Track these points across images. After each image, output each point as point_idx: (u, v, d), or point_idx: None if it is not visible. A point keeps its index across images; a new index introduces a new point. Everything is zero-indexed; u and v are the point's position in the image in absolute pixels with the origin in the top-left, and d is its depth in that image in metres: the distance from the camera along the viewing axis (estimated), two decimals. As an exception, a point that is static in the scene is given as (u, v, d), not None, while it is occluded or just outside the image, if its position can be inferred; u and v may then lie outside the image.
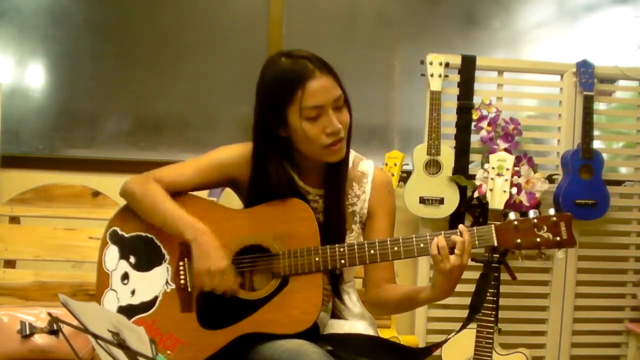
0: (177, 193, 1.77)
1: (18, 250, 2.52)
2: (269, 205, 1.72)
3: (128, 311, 1.73)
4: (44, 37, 3.29)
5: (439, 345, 1.77)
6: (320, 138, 1.65)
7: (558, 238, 1.61)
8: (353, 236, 1.80)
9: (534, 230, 1.62)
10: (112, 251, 1.79)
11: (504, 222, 1.64)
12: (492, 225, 1.63)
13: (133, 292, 1.75)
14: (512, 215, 1.64)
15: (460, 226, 1.61)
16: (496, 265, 2.78)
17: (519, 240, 1.62)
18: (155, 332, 1.68)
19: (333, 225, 1.74)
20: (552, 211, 1.64)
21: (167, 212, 1.71)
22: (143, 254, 1.77)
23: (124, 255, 1.78)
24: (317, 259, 1.66)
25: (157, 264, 1.75)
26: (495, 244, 1.62)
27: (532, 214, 1.64)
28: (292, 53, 1.68)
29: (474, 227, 1.63)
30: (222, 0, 3.43)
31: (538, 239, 1.62)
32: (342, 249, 1.67)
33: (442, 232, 1.62)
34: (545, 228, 1.62)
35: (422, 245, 1.64)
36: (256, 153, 1.74)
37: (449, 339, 1.77)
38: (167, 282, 1.74)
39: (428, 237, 1.64)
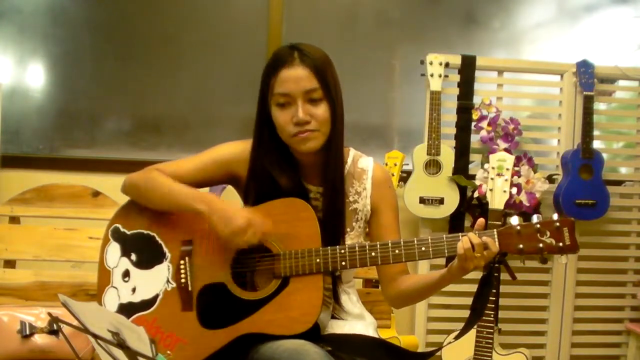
0: None
1: (18, 250, 2.52)
2: (270, 204, 1.71)
3: (128, 309, 1.73)
4: (44, 37, 3.29)
5: (438, 349, 1.77)
6: (288, 126, 1.69)
7: (561, 244, 1.60)
8: (354, 234, 1.80)
9: (536, 235, 1.61)
10: (114, 248, 1.79)
11: (507, 227, 1.62)
12: (495, 230, 1.62)
13: (134, 290, 1.75)
14: (514, 220, 1.63)
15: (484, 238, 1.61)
16: (496, 265, 2.78)
17: (521, 246, 1.61)
18: (155, 330, 1.69)
19: (332, 224, 1.74)
20: (555, 216, 1.63)
21: (176, 193, 1.71)
22: (144, 252, 1.77)
23: (125, 253, 1.78)
24: (317, 260, 1.66)
25: (158, 262, 1.75)
26: (498, 249, 1.61)
27: (535, 219, 1.62)
28: (294, 44, 1.73)
29: (476, 232, 1.62)
30: (222, 0, 3.43)
31: (540, 245, 1.60)
32: (342, 251, 1.67)
33: (460, 234, 1.62)
34: (548, 233, 1.60)
35: (423, 248, 1.64)
36: (254, 138, 1.77)
37: (448, 344, 1.76)
38: (168, 281, 1.74)
39: (430, 240, 1.64)
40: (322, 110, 1.70)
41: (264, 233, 1.64)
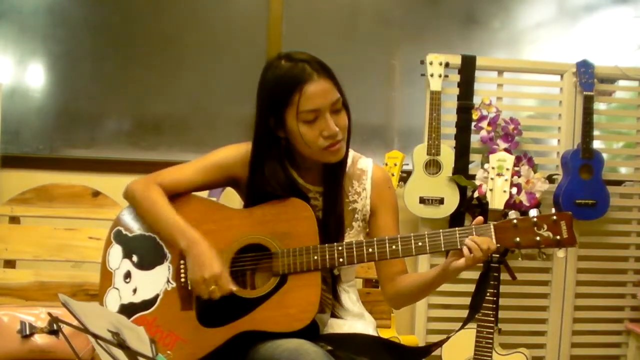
0: (179, 194, 1.79)
1: (18, 250, 2.52)
2: (269, 204, 1.72)
3: (130, 309, 1.74)
4: (44, 37, 3.29)
5: (438, 344, 1.77)
6: (318, 141, 1.67)
7: (558, 237, 1.60)
8: (353, 234, 1.80)
9: (533, 229, 1.61)
10: (116, 250, 1.80)
11: (503, 221, 1.62)
12: (491, 223, 1.62)
13: (135, 291, 1.76)
14: (512, 214, 1.64)
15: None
16: (496, 265, 2.78)
17: (518, 239, 1.61)
18: (155, 329, 1.70)
19: (332, 223, 1.75)
20: (553, 210, 1.63)
21: (164, 219, 1.73)
22: (145, 253, 1.78)
23: (127, 254, 1.80)
24: (315, 257, 1.67)
25: (158, 262, 1.76)
26: (494, 242, 1.61)
27: (532, 212, 1.63)
28: (292, 55, 1.69)
29: (472, 226, 1.62)
30: (222, 0, 3.43)
31: (538, 238, 1.60)
32: (340, 248, 1.67)
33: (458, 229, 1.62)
34: (545, 227, 1.60)
35: (420, 244, 1.64)
36: (255, 153, 1.76)
37: (449, 338, 1.77)
38: (168, 281, 1.75)
39: (427, 235, 1.64)
40: (343, 119, 1.70)
41: (226, 293, 1.65)
